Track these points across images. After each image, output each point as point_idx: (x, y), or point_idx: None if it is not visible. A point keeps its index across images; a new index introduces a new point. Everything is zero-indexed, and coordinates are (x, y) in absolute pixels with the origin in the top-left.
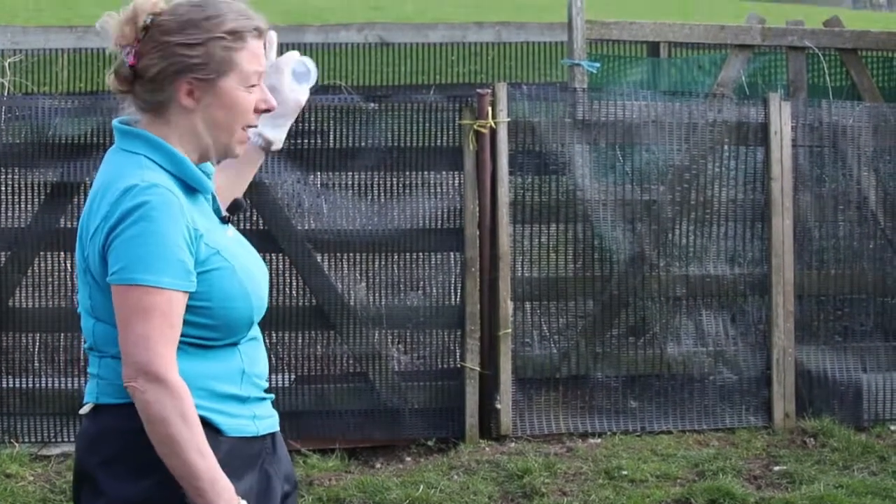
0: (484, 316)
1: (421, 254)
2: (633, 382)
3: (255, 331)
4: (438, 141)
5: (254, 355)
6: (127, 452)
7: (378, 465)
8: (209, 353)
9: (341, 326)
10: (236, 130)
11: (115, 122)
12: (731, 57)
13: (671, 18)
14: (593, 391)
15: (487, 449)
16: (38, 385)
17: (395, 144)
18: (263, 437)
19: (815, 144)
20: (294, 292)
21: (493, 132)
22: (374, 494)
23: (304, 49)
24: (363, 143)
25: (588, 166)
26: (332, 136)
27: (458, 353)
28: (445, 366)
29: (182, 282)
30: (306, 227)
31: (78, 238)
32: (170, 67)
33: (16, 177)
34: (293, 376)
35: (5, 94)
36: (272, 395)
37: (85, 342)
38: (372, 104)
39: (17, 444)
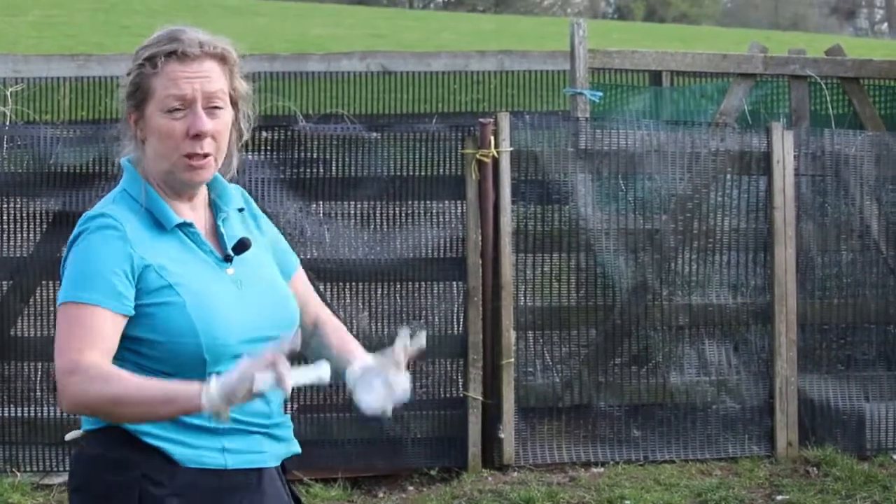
0: (486, 345)
1: (423, 283)
2: (636, 411)
3: None
4: (441, 170)
5: None
6: (89, 479)
7: (381, 495)
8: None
9: None
10: (171, 157)
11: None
12: (733, 86)
13: (673, 47)
14: (596, 420)
15: (490, 478)
16: (39, 414)
17: (398, 173)
18: (240, 471)
19: (817, 173)
20: None
21: (496, 161)
22: None
23: (307, 77)
24: (365, 173)
25: (591, 195)
26: (334, 166)
27: (460, 383)
28: (448, 395)
29: (108, 300)
30: (309, 257)
31: None
32: (123, 99)
33: (18, 206)
34: (296, 406)
35: (7, 122)
36: (275, 429)
37: None
38: (374, 133)
39: (18, 473)
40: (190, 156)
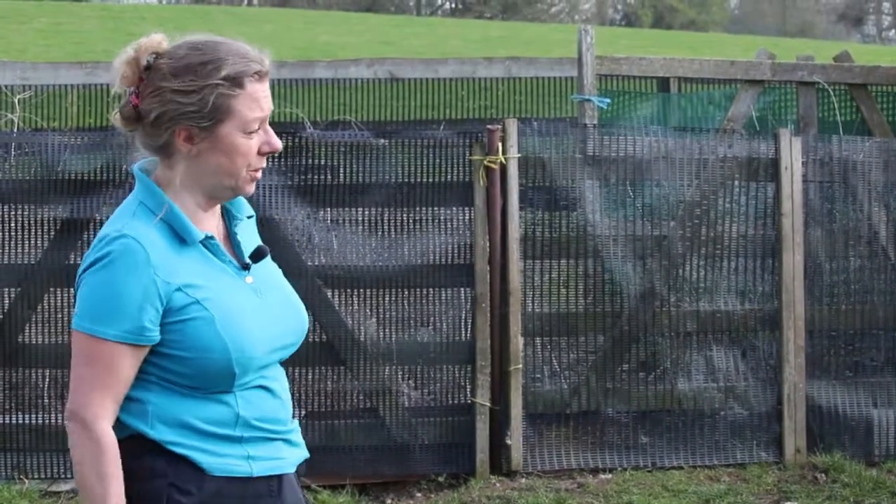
0: (494, 351)
1: (431, 289)
2: (644, 418)
3: (264, 380)
4: (449, 176)
5: (257, 402)
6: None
7: (388, 501)
8: (194, 395)
9: (351, 362)
10: (240, 174)
11: (135, 164)
12: (741, 92)
13: (681, 54)
14: (604, 426)
15: (498, 485)
16: (47, 421)
17: (406, 180)
18: (264, 478)
19: (825, 180)
20: None
21: (504, 168)
22: None
23: (314, 84)
24: (373, 179)
25: (598, 202)
26: (342, 172)
27: (468, 389)
28: (456, 401)
29: (129, 335)
30: (316, 263)
31: None
32: (166, 114)
33: (26, 213)
34: (303, 412)
35: (15, 130)
36: (290, 434)
37: None
38: (382, 140)
39: (26, 481)
40: (256, 170)
